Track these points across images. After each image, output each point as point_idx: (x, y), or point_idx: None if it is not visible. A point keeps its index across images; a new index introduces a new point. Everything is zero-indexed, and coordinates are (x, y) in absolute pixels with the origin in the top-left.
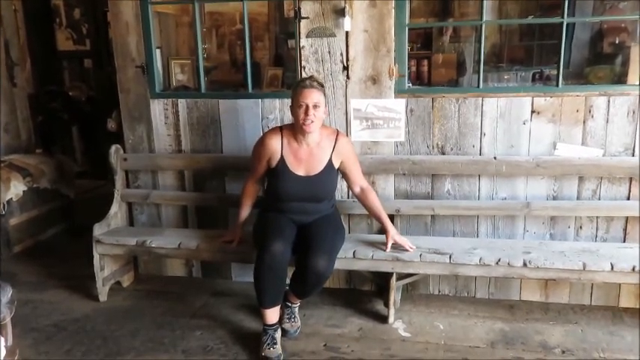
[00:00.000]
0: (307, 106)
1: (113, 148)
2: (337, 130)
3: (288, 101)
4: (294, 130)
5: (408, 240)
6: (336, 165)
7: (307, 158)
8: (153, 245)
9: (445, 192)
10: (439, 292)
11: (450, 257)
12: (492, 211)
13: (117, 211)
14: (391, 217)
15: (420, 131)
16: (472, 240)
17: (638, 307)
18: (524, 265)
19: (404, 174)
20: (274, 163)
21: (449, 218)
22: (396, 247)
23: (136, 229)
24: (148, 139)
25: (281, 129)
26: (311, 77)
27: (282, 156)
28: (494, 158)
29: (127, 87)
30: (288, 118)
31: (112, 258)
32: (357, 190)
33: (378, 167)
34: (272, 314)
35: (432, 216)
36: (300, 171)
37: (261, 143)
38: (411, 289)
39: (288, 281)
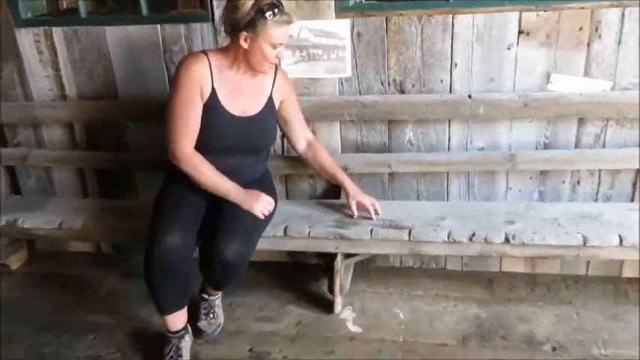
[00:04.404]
0: (281, 47)
1: None
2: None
3: (196, 26)
4: (227, 55)
5: (374, 200)
6: (276, 104)
7: (244, 93)
8: (26, 226)
9: (406, 142)
10: (401, 263)
11: (409, 233)
12: (466, 166)
13: None
14: None
15: (371, 63)
16: (440, 204)
17: None
18: (507, 240)
19: (352, 120)
20: (203, 99)
21: (411, 176)
22: (363, 209)
23: (14, 200)
24: (21, 83)
25: (205, 53)
26: (281, 4)
27: (213, 89)
28: (469, 97)
29: None
30: (196, 49)
31: None
32: (302, 144)
33: (318, 112)
34: (175, 320)
35: (390, 174)
36: (235, 109)
37: (185, 71)
38: (366, 262)
39: None
